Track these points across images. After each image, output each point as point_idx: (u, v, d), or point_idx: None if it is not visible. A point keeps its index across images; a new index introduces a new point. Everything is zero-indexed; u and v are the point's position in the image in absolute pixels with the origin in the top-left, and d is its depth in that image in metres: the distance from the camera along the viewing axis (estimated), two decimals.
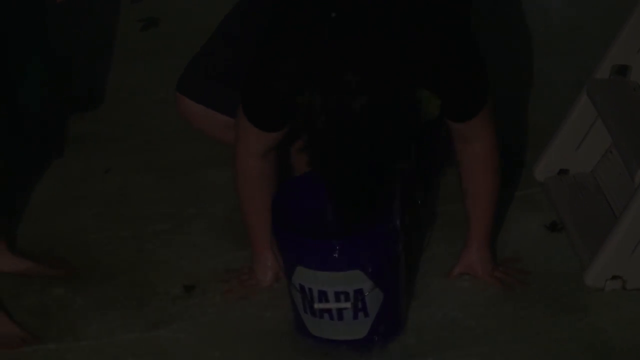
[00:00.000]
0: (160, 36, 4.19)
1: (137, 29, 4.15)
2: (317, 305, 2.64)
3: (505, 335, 2.85)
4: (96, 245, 3.16)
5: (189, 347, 2.89)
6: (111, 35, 4.05)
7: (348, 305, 2.63)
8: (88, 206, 3.29)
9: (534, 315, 2.87)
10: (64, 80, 3.44)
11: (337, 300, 2.63)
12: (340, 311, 2.67)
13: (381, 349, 2.82)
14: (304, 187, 2.86)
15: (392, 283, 2.69)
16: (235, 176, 2.88)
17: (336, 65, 2.47)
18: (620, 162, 3.04)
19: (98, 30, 4.06)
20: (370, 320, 2.67)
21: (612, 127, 3.06)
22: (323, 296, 2.63)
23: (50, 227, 3.21)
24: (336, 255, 2.61)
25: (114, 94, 3.75)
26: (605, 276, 2.86)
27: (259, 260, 2.98)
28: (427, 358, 2.83)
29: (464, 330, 2.83)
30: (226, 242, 3.23)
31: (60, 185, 3.36)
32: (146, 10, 4.19)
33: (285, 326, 2.83)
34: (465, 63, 2.70)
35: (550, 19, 4.21)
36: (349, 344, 2.78)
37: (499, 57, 3.69)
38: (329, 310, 2.67)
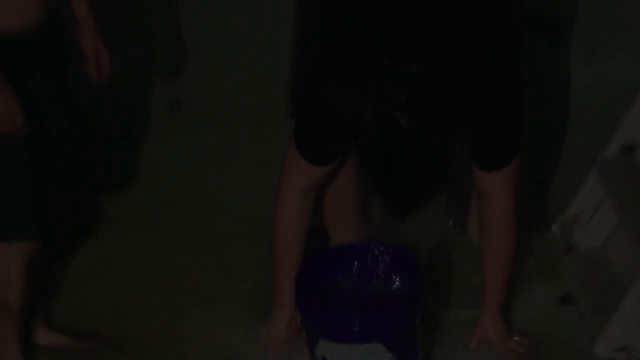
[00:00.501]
0: (185, 118, 4.17)
1: (164, 111, 4.13)
2: None
3: None
4: (129, 320, 3.12)
5: None
6: (139, 117, 4.03)
7: None
8: (122, 283, 3.28)
9: None
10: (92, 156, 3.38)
11: None
12: None
13: None
14: (328, 262, 2.84)
15: (410, 354, 2.67)
16: (274, 211, 2.90)
17: (390, 86, 2.55)
18: (628, 236, 3.04)
19: (125, 111, 4.03)
20: None
21: (622, 204, 3.08)
22: None
23: (86, 303, 3.20)
24: (357, 328, 2.59)
25: (144, 174, 3.76)
26: (614, 347, 2.86)
27: (276, 313, 2.94)
28: None
29: None
30: (256, 316, 3.13)
31: (95, 263, 3.35)
32: (172, 92, 4.19)
33: None
34: (511, 111, 2.74)
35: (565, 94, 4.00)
36: None
37: None
38: None
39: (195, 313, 3.16)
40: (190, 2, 4.45)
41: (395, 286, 2.81)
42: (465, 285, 3.24)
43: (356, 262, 2.91)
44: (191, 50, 4.30)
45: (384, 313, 2.73)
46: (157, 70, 4.23)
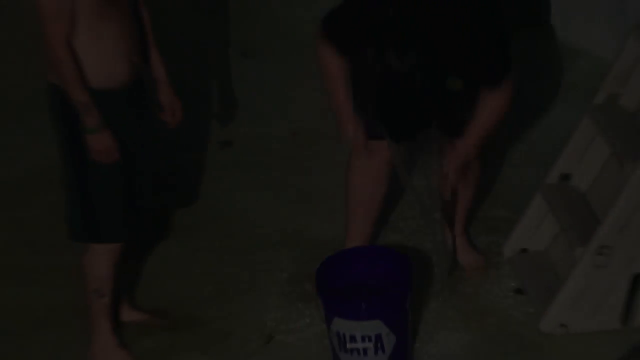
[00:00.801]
0: (233, 153, 4.04)
1: (217, 148, 4.02)
2: (348, 345, 2.62)
3: None
4: (190, 304, 3.15)
5: None
6: (198, 152, 3.94)
7: (370, 345, 2.61)
8: (183, 275, 3.27)
9: (503, 355, 2.91)
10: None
11: (363, 341, 2.60)
12: (365, 349, 2.63)
13: None
14: (341, 261, 2.86)
15: (402, 329, 2.66)
16: (319, 64, 2.84)
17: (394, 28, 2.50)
18: (565, 242, 3.02)
19: (188, 148, 3.91)
20: (386, 356, 2.66)
21: (560, 218, 3.02)
22: (353, 339, 2.62)
23: (157, 289, 3.19)
24: (362, 309, 2.59)
25: (202, 195, 3.70)
26: (555, 324, 2.84)
27: (340, 125, 2.84)
28: None
29: None
30: (289, 300, 3.20)
31: (164, 259, 3.33)
32: (224, 134, 4.09)
33: None
34: (502, 47, 2.65)
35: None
36: None
37: None
38: (357, 349, 2.66)
39: (240, 299, 3.16)
40: (238, 68, 4.38)
41: (391, 278, 2.77)
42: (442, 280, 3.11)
43: (362, 260, 2.87)
44: (239, 102, 4.25)
45: (382, 298, 2.73)
46: (212, 117, 4.19)
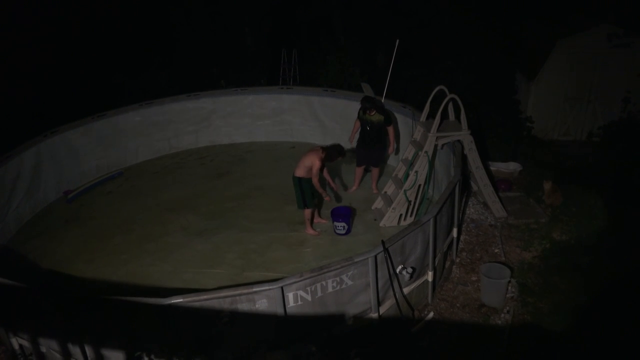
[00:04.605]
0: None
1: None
2: (336, 228, 8.49)
3: None
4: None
5: None
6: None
7: (342, 227, 8.51)
8: None
9: (366, 229, 8.25)
10: None
11: (340, 227, 8.54)
12: (341, 228, 8.54)
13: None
14: (339, 210, 8.58)
15: (349, 224, 8.56)
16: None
17: None
18: (395, 190, 8.43)
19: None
20: (345, 230, 8.56)
21: (393, 184, 8.49)
22: (337, 226, 8.50)
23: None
24: (340, 219, 8.51)
25: None
26: (384, 223, 8.37)
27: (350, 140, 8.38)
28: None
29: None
30: (326, 216, 8.46)
31: None
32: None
33: (333, 235, 8.21)
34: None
35: None
36: (342, 235, 8.57)
37: None
38: (338, 228, 8.48)
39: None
40: None
41: (347, 212, 8.62)
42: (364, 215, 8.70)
43: (342, 209, 8.74)
44: None
45: (345, 218, 8.52)
46: None
